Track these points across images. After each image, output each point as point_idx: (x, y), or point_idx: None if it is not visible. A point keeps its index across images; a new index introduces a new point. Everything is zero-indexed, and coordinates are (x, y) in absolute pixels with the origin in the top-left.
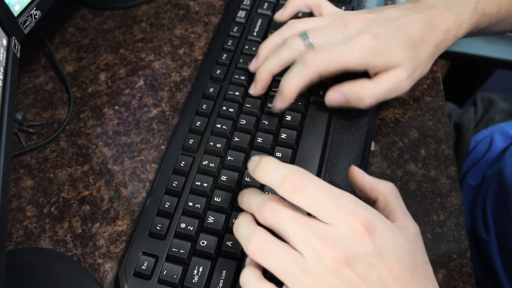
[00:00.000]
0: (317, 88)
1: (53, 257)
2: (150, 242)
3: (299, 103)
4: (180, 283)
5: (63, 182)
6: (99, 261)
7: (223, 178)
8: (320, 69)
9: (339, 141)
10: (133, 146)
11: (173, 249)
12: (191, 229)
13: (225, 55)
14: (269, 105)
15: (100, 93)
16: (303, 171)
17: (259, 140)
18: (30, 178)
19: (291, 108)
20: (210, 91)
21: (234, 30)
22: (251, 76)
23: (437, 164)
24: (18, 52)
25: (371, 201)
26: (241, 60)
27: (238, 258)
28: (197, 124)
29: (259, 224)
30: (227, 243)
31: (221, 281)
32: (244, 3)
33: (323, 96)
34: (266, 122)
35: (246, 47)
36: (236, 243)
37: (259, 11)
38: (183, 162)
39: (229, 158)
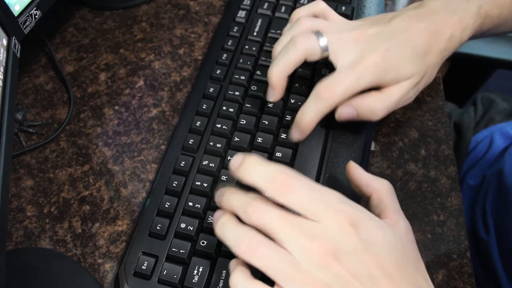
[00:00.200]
0: None
1: (53, 257)
2: (150, 242)
3: (299, 103)
4: (180, 283)
5: (63, 182)
6: (99, 261)
7: (223, 178)
8: (336, 101)
9: (339, 141)
10: (133, 146)
11: (173, 249)
12: (191, 229)
13: (225, 55)
14: (270, 105)
15: (100, 93)
16: (288, 170)
17: (259, 140)
18: (30, 178)
19: (291, 108)
20: (210, 91)
21: (234, 30)
22: (251, 76)
23: (437, 164)
24: (18, 52)
25: (366, 197)
26: (241, 60)
27: None
28: (197, 124)
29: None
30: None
31: (221, 281)
32: (244, 3)
33: None
34: (266, 122)
35: (246, 47)
36: None
37: (259, 11)
38: (183, 162)
39: (229, 158)
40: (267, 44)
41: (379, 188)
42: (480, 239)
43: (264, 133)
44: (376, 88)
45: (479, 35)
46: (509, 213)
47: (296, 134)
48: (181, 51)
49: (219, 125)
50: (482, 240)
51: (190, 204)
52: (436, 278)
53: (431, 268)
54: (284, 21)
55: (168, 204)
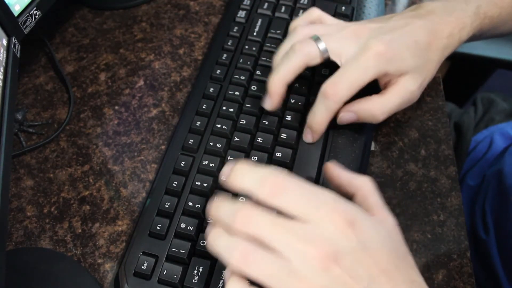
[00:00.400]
0: (317, 88)
1: (53, 257)
2: (150, 242)
3: (299, 103)
4: (180, 283)
5: (63, 182)
6: (99, 261)
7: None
8: (344, 97)
9: (339, 141)
10: (133, 146)
11: (173, 249)
12: (191, 229)
13: (225, 55)
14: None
15: (100, 93)
16: (279, 172)
17: (259, 140)
18: (30, 178)
19: (291, 108)
20: (210, 91)
21: (234, 30)
22: (251, 76)
23: (437, 164)
24: (18, 52)
25: (348, 197)
26: (241, 60)
27: None
28: (197, 124)
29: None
30: None
31: (221, 281)
32: (244, 3)
33: None
34: (266, 122)
35: (246, 47)
36: None
37: (259, 11)
38: (183, 162)
39: (229, 158)
40: (267, 44)
41: (362, 185)
42: (479, 239)
43: (264, 133)
44: (377, 91)
45: (479, 35)
46: (509, 213)
47: (309, 136)
48: (181, 51)
49: (219, 125)
50: (482, 240)
51: (190, 204)
52: (436, 278)
53: (431, 268)
54: (284, 21)
55: (168, 204)
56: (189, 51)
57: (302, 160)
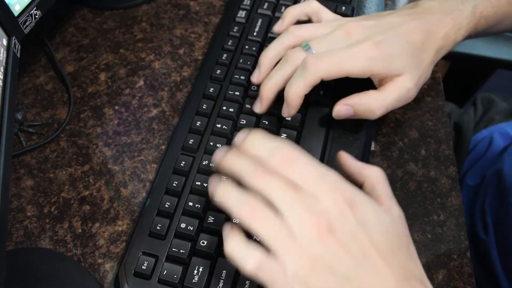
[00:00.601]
0: (317, 88)
1: (53, 257)
2: (150, 242)
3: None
4: (180, 283)
5: (63, 182)
6: (99, 261)
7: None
8: (322, 73)
9: (339, 141)
10: (133, 146)
11: (173, 249)
12: (191, 229)
13: (225, 55)
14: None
15: (100, 93)
16: (292, 145)
17: None
18: (30, 178)
19: None
20: (210, 91)
21: (234, 30)
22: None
23: (437, 164)
24: (18, 52)
25: (358, 185)
26: (241, 60)
27: None
28: (197, 124)
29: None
30: None
31: (221, 281)
32: (244, 3)
33: (323, 96)
34: (266, 122)
35: (246, 47)
36: None
37: (259, 11)
38: (183, 162)
39: None
40: (267, 44)
41: (371, 175)
42: (479, 239)
43: None
44: (374, 87)
45: (474, 35)
46: (509, 213)
47: (286, 110)
48: (181, 51)
49: (219, 125)
50: (481, 240)
51: (190, 204)
52: (436, 278)
53: (431, 268)
54: None
55: (168, 204)
56: (189, 51)
57: None
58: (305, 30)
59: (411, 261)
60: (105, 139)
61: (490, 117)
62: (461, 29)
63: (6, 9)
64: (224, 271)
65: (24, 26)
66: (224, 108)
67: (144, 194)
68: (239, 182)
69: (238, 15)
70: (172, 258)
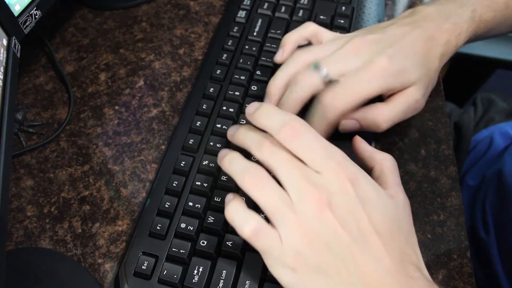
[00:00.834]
0: None
1: (53, 257)
2: (150, 242)
3: None
4: (180, 283)
5: (63, 182)
6: (99, 261)
7: (223, 178)
8: (342, 107)
9: (339, 141)
10: (133, 146)
11: (173, 249)
12: (191, 229)
13: (225, 55)
14: None
15: (100, 93)
16: (302, 120)
17: None
18: (30, 178)
19: None
20: (210, 91)
21: (234, 30)
22: (251, 76)
23: (437, 164)
24: (18, 52)
25: (368, 169)
26: (241, 60)
27: (238, 258)
28: (197, 124)
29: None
30: (227, 243)
31: (221, 281)
32: (244, 3)
33: None
34: None
35: (246, 47)
36: (236, 243)
37: (259, 11)
38: (183, 162)
39: None
40: (267, 44)
41: (382, 160)
42: (479, 239)
43: None
44: (381, 99)
45: (474, 38)
46: (509, 213)
47: None
48: (181, 51)
49: (219, 125)
50: (482, 240)
51: (190, 204)
52: (436, 278)
53: (431, 268)
54: (284, 21)
55: (168, 204)
56: (189, 51)
57: None
58: (310, 54)
59: (409, 247)
60: (105, 139)
61: (490, 117)
62: (461, 34)
63: (6, 9)
64: (224, 271)
65: (24, 26)
66: (224, 108)
67: (144, 194)
68: (248, 156)
69: (238, 15)
70: (172, 258)
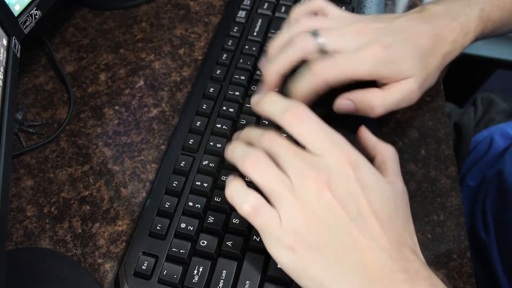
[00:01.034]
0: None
1: (53, 257)
2: (150, 242)
3: None
4: (180, 283)
5: (63, 182)
6: (99, 261)
7: (223, 178)
8: (328, 79)
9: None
10: (133, 146)
11: (173, 249)
12: (191, 229)
13: (225, 55)
14: None
15: (100, 93)
16: (304, 107)
17: None
18: (30, 178)
19: None
20: (210, 91)
21: (234, 30)
22: (251, 76)
23: (437, 164)
24: (18, 52)
25: (370, 158)
26: (241, 60)
27: (238, 258)
28: (197, 124)
29: None
30: (227, 243)
31: (221, 281)
32: (244, 3)
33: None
34: (266, 122)
35: (246, 47)
36: (236, 243)
37: (259, 11)
38: (183, 162)
39: None
40: (267, 44)
41: (384, 150)
42: (480, 239)
43: None
44: (378, 85)
45: (481, 37)
46: (509, 213)
47: None
48: (181, 51)
49: (219, 125)
50: (482, 240)
51: (190, 204)
52: None
53: (431, 268)
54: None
55: (168, 204)
56: (189, 51)
57: None
58: (315, 22)
59: (406, 233)
60: (105, 139)
61: (490, 117)
62: (469, 34)
63: (6, 9)
64: (224, 271)
65: (24, 26)
66: (224, 108)
67: (144, 194)
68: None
69: (238, 15)
70: (172, 258)
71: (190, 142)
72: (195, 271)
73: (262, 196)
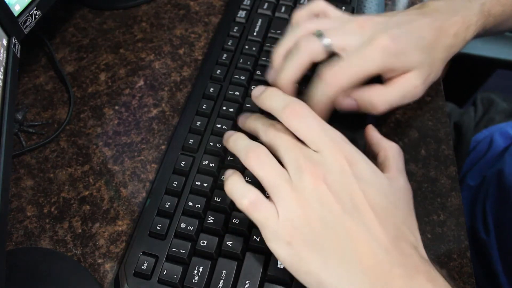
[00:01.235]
0: None
1: (53, 257)
2: (150, 242)
3: None
4: (180, 283)
5: (63, 182)
6: (99, 261)
7: (223, 178)
8: (342, 84)
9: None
10: (133, 146)
11: (173, 249)
12: (191, 229)
13: (225, 55)
14: None
15: (100, 93)
16: (303, 103)
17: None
18: (30, 178)
19: None
20: (210, 91)
21: (234, 30)
22: (251, 76)
23: (437, 164)
24: (18, 52)
25: (374, 155)
26: (241, 60)
27: (238, 258)
28: (197, 124)
29: None
30: (227, 243)
31: (221, 281)
32: (244, 3)
33: None
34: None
35: (246, 47)
36: (236, 243)
37: (259, 11)
38: (183, 162)
39: (229, 158)
40: (267, 44)
41: (388, 147)
42: (480, 239)
43: None
44: (381, 81)
45: (483, 33)
46: (509, 213)
47: None
48: (181, 51)
49: (219, 125)
50: (482, 240)
51: (190, 204)
52: None
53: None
54: (285, 21)
55: (168, 204)
56: (189, 51)
57: None
58: (317, 24)
59: (406, 227)
60: (105, 139)
61: (490, 117)
62: (470, 27)
63: (6, 9)
64: (224, 271)
65: (24, 26)
66: (224, 108)
67: (144, 194)
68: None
69: (238, 15)
70: (172, 258)
71: (190, 142)
72: (195, 271)
73: (261, 192)
